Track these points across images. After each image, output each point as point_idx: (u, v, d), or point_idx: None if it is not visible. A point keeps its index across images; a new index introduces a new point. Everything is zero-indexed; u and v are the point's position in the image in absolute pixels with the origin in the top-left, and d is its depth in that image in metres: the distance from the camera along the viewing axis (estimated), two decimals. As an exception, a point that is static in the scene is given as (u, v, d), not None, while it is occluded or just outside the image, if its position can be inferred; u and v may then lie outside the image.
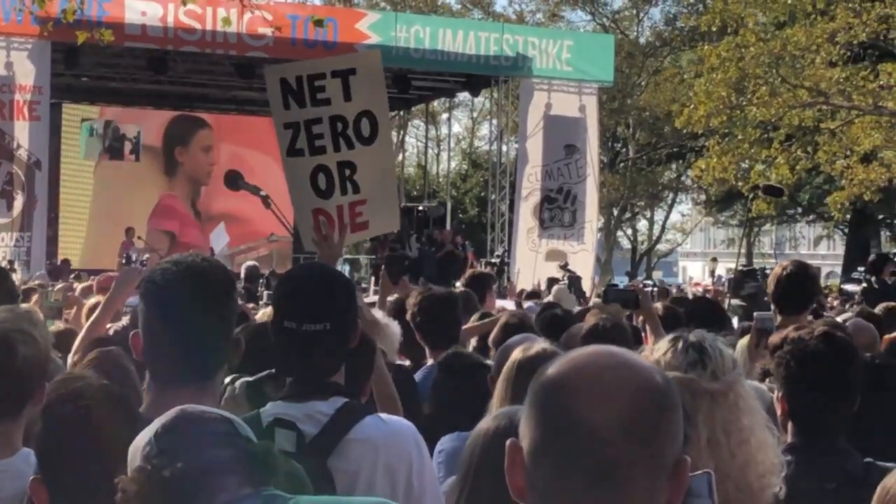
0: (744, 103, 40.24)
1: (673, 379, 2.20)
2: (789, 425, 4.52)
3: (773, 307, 7.88)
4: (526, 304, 16.67)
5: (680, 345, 3.61)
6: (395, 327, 6.93)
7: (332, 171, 7.23)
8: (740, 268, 23.79)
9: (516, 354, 4.88)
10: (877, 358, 5.64)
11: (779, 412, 4.57)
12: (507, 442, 2.12)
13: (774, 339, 4.64)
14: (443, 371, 6.69)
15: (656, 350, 3.63)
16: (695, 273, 77.35)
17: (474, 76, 34.54)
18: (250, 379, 4.90)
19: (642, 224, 76.63)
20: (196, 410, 2.49)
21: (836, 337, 4.60)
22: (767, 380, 4.95)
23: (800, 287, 7.81)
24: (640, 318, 8.27)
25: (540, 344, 5.11)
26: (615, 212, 66.30)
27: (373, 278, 28.78)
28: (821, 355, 4.44)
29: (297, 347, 3.99)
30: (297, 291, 4.09)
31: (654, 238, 75.42)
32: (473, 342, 8.77)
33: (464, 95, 45.41)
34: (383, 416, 4.15)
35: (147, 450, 2.38)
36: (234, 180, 30.72)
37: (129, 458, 2.40)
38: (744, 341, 7.03)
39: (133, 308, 4.90)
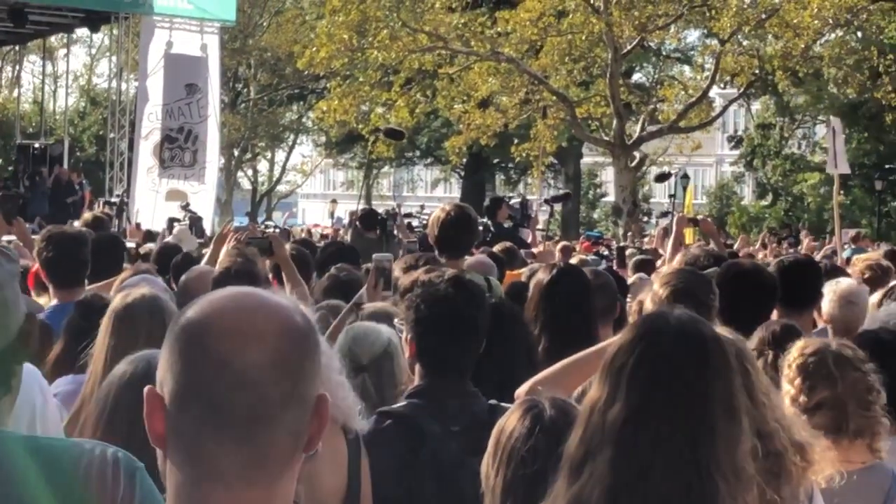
0: (365, 46, 40.68)
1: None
2: (417, 367, 4.59)
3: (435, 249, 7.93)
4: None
5: None
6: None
7: None
8: (362, 208, 24.05)
9: (115, 302, 4.78)
10: (492, 297, 5.80)
11: (407, 354, 4.64)
12: (146, 389, 2.07)
13: (405, 281, 4.70)
14: (80, 311, 6.45)
15: None
16: (315, 215, 77.75)
17: (94, 12, 33.65)
18: None
19: (263, 165, 76.62)
20: None
21: (466, 280, 4.70)
22: (396, 321, 5.00)
23: (464, 231, 7.85)
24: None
25: (140, 290, 5.03)
26: (236, 152, 65.91)
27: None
28: (450, 298, 4.52)
29: None
30: None
31: (274, 179, 75.49)
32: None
33: (83, 31, 44.16)
34: None
35: None
36: None
37: None
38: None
39: None
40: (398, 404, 4.55)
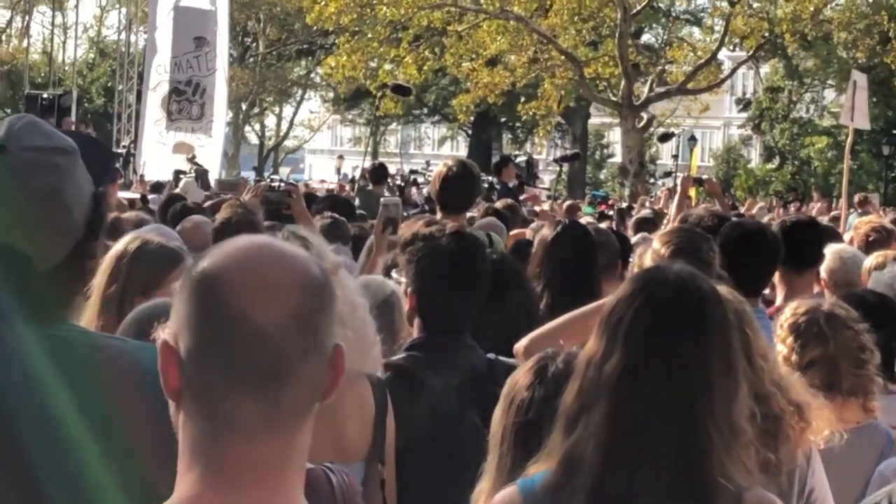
0: (374, 2, 40.55)
1: None
2: (416, 320, 4.60)
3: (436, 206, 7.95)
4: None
5: (281, 235, 3.84)
6: None
7: None
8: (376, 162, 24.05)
9: (118, 247, 4.78)
10: (493, 253, 5.82)
11: (407, 307, 4.65)
12: (159, 342, 2.08)
13: (405, 234, 4.71)
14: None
15: None
16: (322, 170, 77.64)
17: (103, -37, 33.57)
18: None
19: (270, 120, 76.52)
20: None
21: (466, 235, 4.71)
22: (394, 272, 5.02)
23: (465, 187, 7.86)
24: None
25: (144, 236, 5.04)
26: (244, 106, 65.82)
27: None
28: (451, 252, 4.53)
29: None
30: None
31: (281, 134, 75.38)
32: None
33: (92, -19, 44.06)
34: None
35: None
36: None
37: None
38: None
39: None
40: (397, 356, 4.56)
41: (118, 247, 4.71)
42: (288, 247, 2.15)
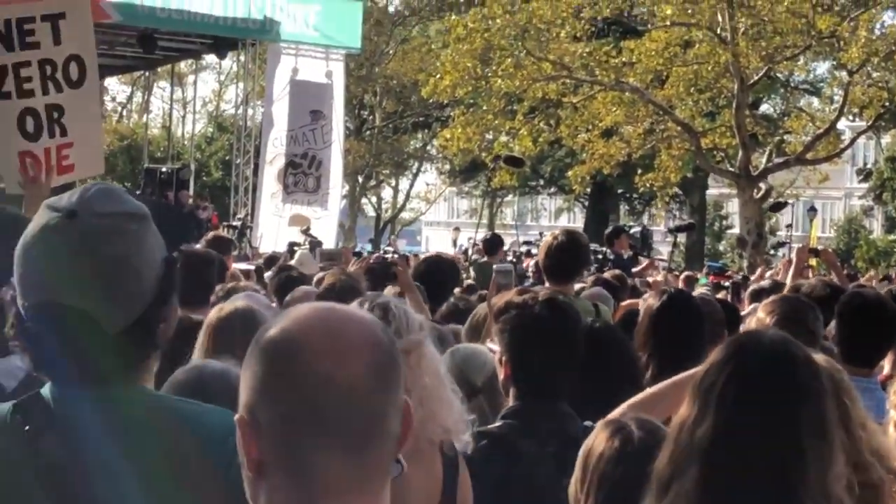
0: (489, 74, 40.76)
1: None
2: (511, 389, 4.56)
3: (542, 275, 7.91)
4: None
5: (366, 305, 3.79)
6: None
7: (40, 113, 7.24)
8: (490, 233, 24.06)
9: (212, 316, 4.81)
10: (597, 322, 5.75)
11: (501, 376, 4.61)
12: (236, 418, 2.07)
13: (498, 302, 4.67)
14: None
15: None
16: (438, 242, 78.04)
17: (221, 38, 33.99)
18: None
19: (387, 192, 77.08)
20: None
21: (560, 302, 4.65)
22: (488, 342, 4.98)
23: (572, 257, 7.82)
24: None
25: (235, 303, 5.06)
26: (360, 179, 66.38)
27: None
28: (544, 320, 4.49)
29: None
30: None
31: (397, 206, 75.88)
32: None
33: (211, 58, 44.80)
34: None
35: None
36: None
37: None
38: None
39: None
40: (494, 425, 4.53)
41: (211, 315, 4.75)
42: (352, 308, 2.18)
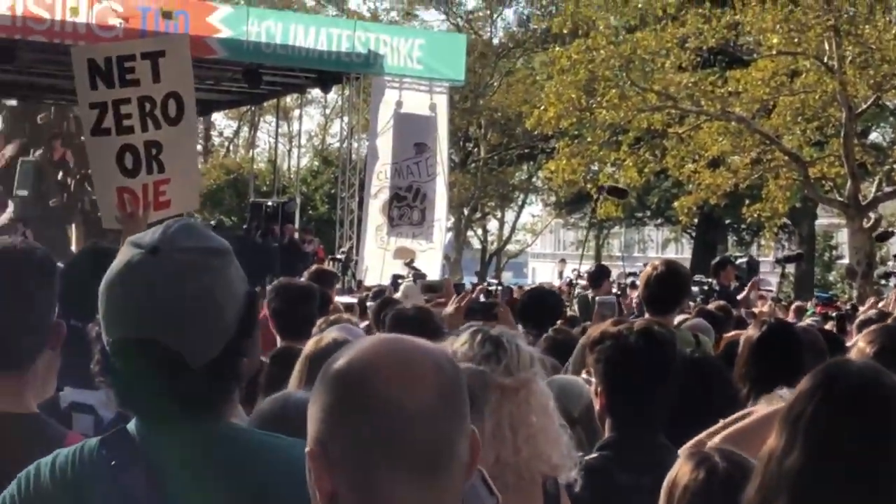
0: (593, 106, 40.65)
1: (463, 370, 2.25)
2: (607, 419, 4.55)
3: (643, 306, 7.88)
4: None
5: (479, 337, 3.68)
6: None
7: (139, 150, 7.37)
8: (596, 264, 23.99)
9: (308, 346, 4.83)
10: (696, 353, 5.72)
11: (597, 407, 4.59)
12: (307, 451, 2.10)
13: (593, 333, 4.66)
14: (274, 361, 6.60)
15: (456, 341, 3.65)
16: (544, 274, 77.86)
17: (326, 72, 34.25)
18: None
19: (493, 224, 77.05)
20: None
21: (655, 332, 4.63)
22: (584, 373, 4.97)
23: (671, 288, 7.77)
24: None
25: (333, 334, 5.09)
26: (466, 211, 66.48)
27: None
28: (640, 351, 4.48)
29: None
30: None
31: (503, 238, 75.85)
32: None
33: (316, 92, 45.17)
34: None
35: None
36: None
37: None
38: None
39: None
40: (590, 456, 4.51)
41: (309, 345, 4.79)
42: (415, 338, 2.19)
